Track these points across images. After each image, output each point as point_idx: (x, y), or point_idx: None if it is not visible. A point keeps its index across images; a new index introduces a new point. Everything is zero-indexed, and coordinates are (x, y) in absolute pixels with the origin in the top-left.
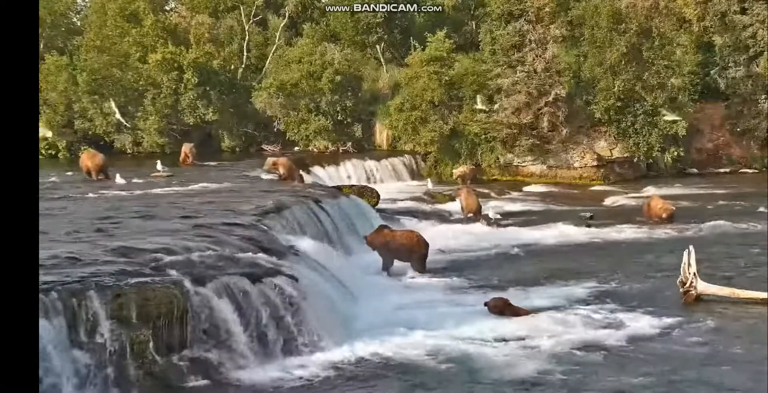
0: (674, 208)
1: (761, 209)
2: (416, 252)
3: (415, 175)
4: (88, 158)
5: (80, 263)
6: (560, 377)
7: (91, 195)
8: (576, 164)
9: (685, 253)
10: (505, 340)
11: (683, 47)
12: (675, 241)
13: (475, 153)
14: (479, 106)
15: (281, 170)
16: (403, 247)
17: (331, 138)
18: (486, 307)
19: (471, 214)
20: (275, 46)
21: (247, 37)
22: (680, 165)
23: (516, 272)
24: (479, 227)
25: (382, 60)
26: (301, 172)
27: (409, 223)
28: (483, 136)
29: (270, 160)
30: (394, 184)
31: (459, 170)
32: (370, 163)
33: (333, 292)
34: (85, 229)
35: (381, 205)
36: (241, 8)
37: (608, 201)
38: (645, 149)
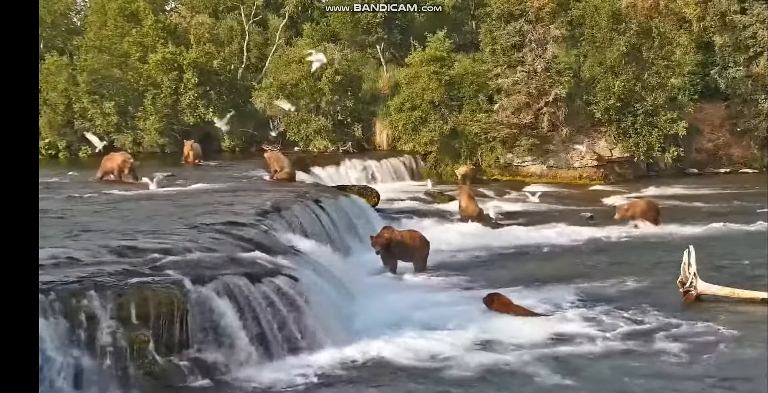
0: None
1: (761, 209)
2: (419, 251)
3: (415, 175)
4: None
5: (80, 263)
6: (555, 379)
7: (94, 194)
8: (576, 164)
9: (685, 253)
10: (505, 340)
11: (683, 47)
12: (675, 240)
13: (475, 153)
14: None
15: (274, 165)
16: (407, 246)
17: (331, 138)
18: (484, 305)
19: (470, 219)
20: (275, 46)
21: (247, 37)
22: (680, 165)
23: (515, 272)
24: (480, 227)
25: (382, 60)
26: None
27: (410, 223)
28: (483, 136)
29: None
30: (394, 184)
31: (461, 170)
32: (370, 163)
33: (333, 291)
34: (85, 229)
35: (381, 205)
36: (241, 8)
37: (608, 201)
38: (645, 149)
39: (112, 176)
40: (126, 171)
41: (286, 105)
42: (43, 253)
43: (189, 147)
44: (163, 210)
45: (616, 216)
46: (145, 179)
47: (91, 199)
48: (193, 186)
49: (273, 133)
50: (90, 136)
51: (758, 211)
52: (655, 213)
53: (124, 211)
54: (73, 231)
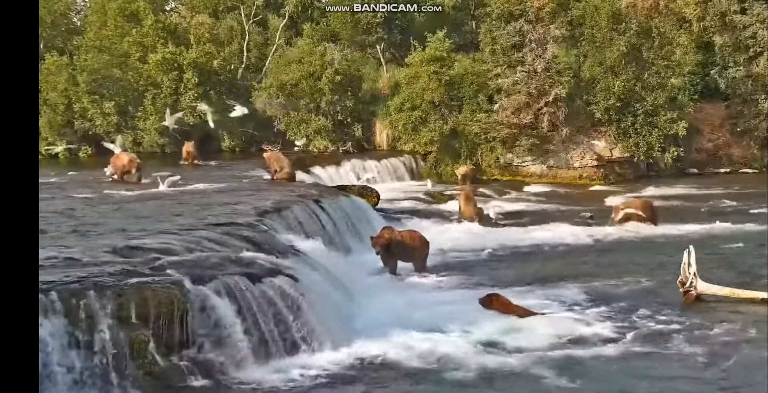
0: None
1: (761, 209)
2: (419, 251)
3: (415, 175)
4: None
5: (80, 263)
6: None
7: (95, 194)
8: (576, 164)
9: (685, 253)
10: (506, 340)
11: (683, 47)
12: (675, 240)
13: (475, 153)
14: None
15: (274, 165)
16: (407, 247)
17: (331, 138)
18: (482, 305)
19: (468, 220)
20: (275, 46)
21: (247, 37)
22: (680, 165)
23: (515, 272)
24: (480, 227)
25: (382, 60)
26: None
27: (410, 223)
28: (483, 136)
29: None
30: (394, 184)
31: (461, 170)
32: (370, 163)
33: (333, 291)
34: (84, 228)
35: (381, 205)
36: (241, 8)
37: (608, 201)
38: (645, 149)
39: (115, 176)
40: (133, 171)
41: (240, 110)
42: (43, 253)
43: (187, 147)
44: (162, 210)
45: (613, 216)
46: (156, 179)
47: (91, 200)
48: (193, 186)
49: (299, 143)
50: (109, 145)
51: (758, 211)
52: (651, 213)
53: (124, 211)
54: (74, 231)
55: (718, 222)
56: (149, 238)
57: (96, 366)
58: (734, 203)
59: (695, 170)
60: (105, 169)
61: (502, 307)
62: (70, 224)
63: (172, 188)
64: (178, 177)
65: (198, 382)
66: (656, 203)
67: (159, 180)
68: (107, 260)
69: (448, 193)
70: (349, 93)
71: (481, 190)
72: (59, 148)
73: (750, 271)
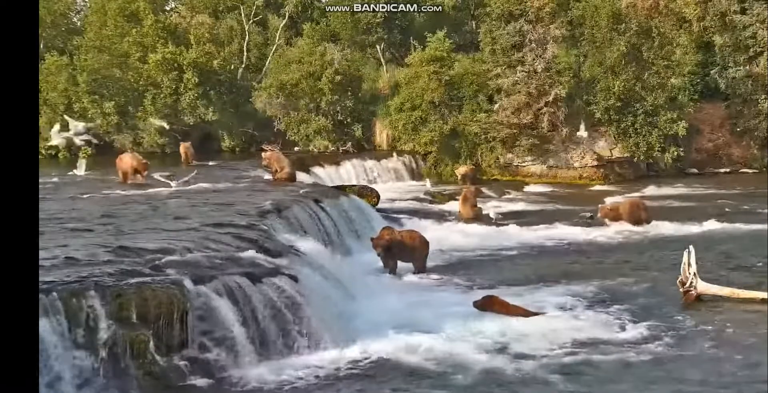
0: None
1: (761, 209)
2: (418, 252)
3: (415, 175)
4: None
5: (80, 263)
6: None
7: (95, 194)
8: (576, 164)
9: (685, 253)
10: (503, 341)
11: (683, 47)
12: (675, 240)
13: (475, 153)
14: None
15: (274, 165)
16: (407, 247)
17: (331, 138)
18: (477, 308)
19: (466, 220)
20: (275, 46)
21: (247, 37)
22: (680, 165)
23: (515, 272)
24: (479, 227)
25: (382, 60)
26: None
27: (410, 223)
28: (483, 136)
29: (264, 155)
30: (394, 184)
31: (461, 170)
32: (370, 163)
33: (333, 291)
34: (84, 228)
35: (381, 205)
36: (241, 8)
37: (608, 201)
38: (645, 149)
39: (119, 178)
40: (144, 173)
41: (159, 122)
42: (44, 253)
43: (185, 148)
44: (163, 210)
45: (599, 215)
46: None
47: (91, 200)
48: (193, 186)
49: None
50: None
51: (758, 211)
52: (641, 212)
53: (125, 211)
54: (74, 231)
55: (718, 222)
56: (150, 238)
57: (96, 366)
58: (734, 203)
59: (695, 170)
60: (74, 171)
61: (502, 308)
62: (71, 224)
63: (175, 188)
64: (184, 178)
65: (198, 381)
66: (656, 203)
67: (165, 179)
68: (107, 260)
69: (448, 193)
70: (349, 93)
71: (481, 189)
72: (81, 124)
73: (750, 271)
